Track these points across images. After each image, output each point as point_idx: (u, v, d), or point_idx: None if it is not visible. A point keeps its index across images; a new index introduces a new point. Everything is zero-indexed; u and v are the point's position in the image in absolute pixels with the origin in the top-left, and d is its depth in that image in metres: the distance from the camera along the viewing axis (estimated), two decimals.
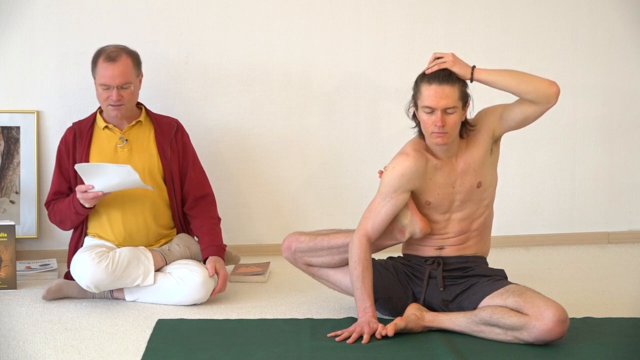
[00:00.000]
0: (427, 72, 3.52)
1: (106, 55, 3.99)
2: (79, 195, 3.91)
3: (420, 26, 4.76)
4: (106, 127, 4.10)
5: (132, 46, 4.09)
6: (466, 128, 3.58)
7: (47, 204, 4.14)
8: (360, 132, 4.81)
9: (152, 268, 3.93)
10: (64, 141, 4.13)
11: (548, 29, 4.85)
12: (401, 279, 3.68)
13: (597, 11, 4.85)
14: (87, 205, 3.93)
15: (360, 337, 3.45)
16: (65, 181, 4.11)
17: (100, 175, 3.85)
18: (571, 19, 4.85)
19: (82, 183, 4.03)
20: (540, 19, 4.84)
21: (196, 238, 4.18)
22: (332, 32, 4.73)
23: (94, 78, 4.03)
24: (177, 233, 4.17)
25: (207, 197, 4.19)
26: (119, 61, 3.98)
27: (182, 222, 4.17)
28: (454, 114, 3.48)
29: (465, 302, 3.54)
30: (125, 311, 3.86)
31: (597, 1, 4.85)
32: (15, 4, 4.51)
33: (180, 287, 3.92)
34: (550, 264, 4.63)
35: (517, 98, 3.55)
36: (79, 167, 3.88)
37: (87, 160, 4.05)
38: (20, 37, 4.53)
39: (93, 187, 3.87)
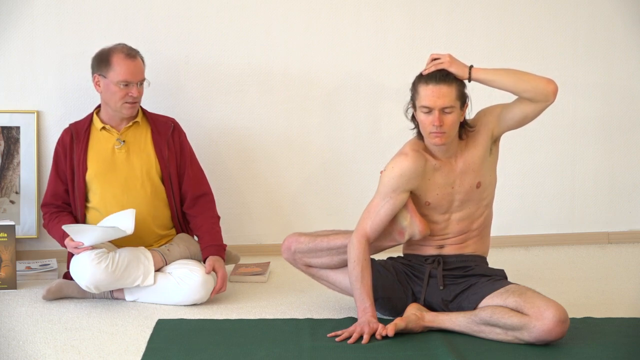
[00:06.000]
0: (424, 72, 3.52)
1: (125, 52, 4.02)
2: (69, 249, 3.93)
3: (420, 26, 4.76)
4: (103, 128, 4.10)
5: (132, 46, 4.09)
6: (465, 129, 3.58)
7: (44, 206, 4.13)
8: (360, 132, 4.81)
9: (152, 268, 3.93)
10: (61, 142, 4.13)
11: (548, 29, 4.85)
12: (401, 279, 3.68)
13: (597, 11, 4.85)
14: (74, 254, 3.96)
15: (361, 337, 3.45)
16: (62, 183, 4.11)
17: (90, 233, 3.85)
18: (571, 18, 4.85)
19: (81, 182, 4.04)
20: (540, 19, 4.84)
21: (196, 237, 4.18)
22: (332, 32, 4.73)
23: (104, 77, 4.01)
24: (177, 233, 4.17)
25: (206, 196, 4.18)
26: (137, 58, 4.04)
27: (182, 222, 4.17)
28: (451, 114, 3.48)
29: (465, 302, 3.54)
30: (125, 311, 3.86)
31: (597, 1, 4.85)
32: (15, 4, 4.51)
33: (180, 287, 3.92)
34: (550, 264, 4.63)
35: (515, 97, 3.56)
36: (67, 229, 3.86)
37: (84, 161, 4.05)
38: (20, 37, 4.53)
39: (83, 243, 3.87)
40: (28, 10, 4.52)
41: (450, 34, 4.77)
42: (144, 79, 4.07)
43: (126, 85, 4.00)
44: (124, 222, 3.87)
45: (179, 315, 3.79)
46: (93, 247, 3.87)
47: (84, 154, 4.07)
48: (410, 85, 3.58)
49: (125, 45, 4.06)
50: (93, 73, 4.08)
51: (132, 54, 4.04)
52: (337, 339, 3.47)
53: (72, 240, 3.88)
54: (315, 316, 3.79)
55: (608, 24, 4.87)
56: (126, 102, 4.02)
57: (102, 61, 4.04)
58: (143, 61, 4.09)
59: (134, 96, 4.02)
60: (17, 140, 4.56)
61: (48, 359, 3.34)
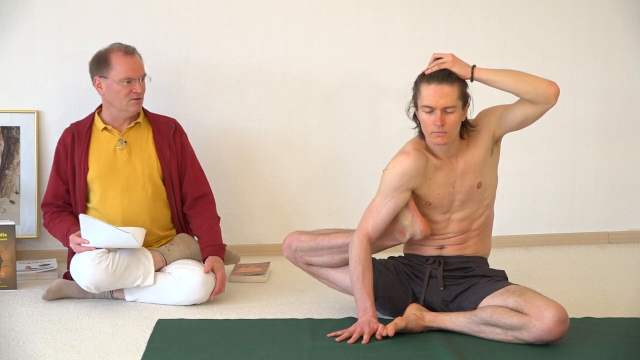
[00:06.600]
0: (427, 72, 3.52)
1: (123, 50, 4.02)
2: (71, 244, 3.91)
3: (420, 26, 4.76)
4: (105, 128, 4.10)
5: (132, 46, 4.09)
6: (466, 128, 3.58)
7: (45, 206, 4.13)
8: (360, 132, 4.81)
9: (152, 268, 3.93)
10: (62, 142, 4.13)
11: (548, 29, 4.85)
12: (401, 279, 3.68)
13: (597, 11, 4.85)
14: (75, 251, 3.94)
15: (361, 337, 3.45)
16: (63, 183, 4.11)
17: (101, 233, 3.83)
18: (571, 18, 4.85)
19: (82, 183, 4.04)
20: (540, 19, 4.84)
21: (196, 238, 4.18)
22: (332, 32, 4.73)
23: (106, 78, 4.01)
24: (177, 233, 4.17)
25: (206, 197, 4.18)
26: (135, 54, 4.05)
27: (182, 223, 4.17)
28: (453, 114, 3.48)
29: (465, 302, 3.54)
30: (125, 311, 3.86)
31: (597, 1, 4.85)
32: (15, 4, 4.51)
33: (180, 287, 3.92)
34: (550, 264, 4.63)
35: (517, 98, 3.56)
36: (83, 219, 3.84)
37: (86, 162, 4.05)
38: (20, 37, 4.53)
39: (88, 242, 3.85)
40: (28, 10, 4.52)
41: (450, 34, 4.77)
42: (145, 75, 4.07)
43: (129, 82, 4.00)
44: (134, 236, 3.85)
45: (179, 315, 3.79)
46: (95, 248, 3.87)
47: (85, 155, 4.06)
48: (410, 85, 3.58)
49: (121, 43, 4.06)
50: (93, 76, 4.07)
51: (129, 51, 4.04)
52: (337, 339, 3.47)
53: (78, 236, 3.87)
54: (315, 316, 3.79)
55: (608, 24, 4.87)
56: (131, 99, 4.02)
57: (100, 62, 4.04)
58: (141, 57, 4.09)
59: (138, 92, 4.02)
60: (17, 140, 4.56)
61: (48, 359, 3.34)
